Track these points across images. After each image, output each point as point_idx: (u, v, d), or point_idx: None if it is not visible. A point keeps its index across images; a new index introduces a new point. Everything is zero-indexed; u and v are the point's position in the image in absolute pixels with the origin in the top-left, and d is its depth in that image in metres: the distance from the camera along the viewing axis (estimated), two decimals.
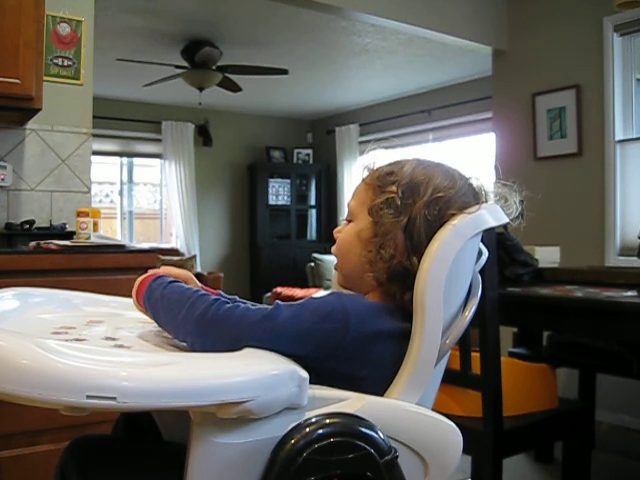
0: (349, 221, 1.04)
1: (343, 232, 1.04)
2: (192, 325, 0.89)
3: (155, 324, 1.02)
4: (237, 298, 1.03)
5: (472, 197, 0.99)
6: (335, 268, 1.07)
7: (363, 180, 1.04)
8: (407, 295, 0.94)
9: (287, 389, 0.77)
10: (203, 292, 0.94)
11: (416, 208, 0.95)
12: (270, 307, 0.89)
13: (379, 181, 1.00)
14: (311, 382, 0.81)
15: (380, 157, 1.06)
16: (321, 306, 0.89)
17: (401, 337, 0.93)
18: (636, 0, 2.69)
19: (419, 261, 0.93)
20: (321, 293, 0.99)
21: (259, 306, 0.92)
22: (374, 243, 0.97)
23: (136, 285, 1.05)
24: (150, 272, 1.05)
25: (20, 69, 2.08)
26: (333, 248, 1.06)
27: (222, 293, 1.03)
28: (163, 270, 1.06)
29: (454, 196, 0.96)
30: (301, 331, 0.86)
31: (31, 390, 0.66)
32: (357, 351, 0.89)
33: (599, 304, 1.81)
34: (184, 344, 0.94)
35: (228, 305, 0.89)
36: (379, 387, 0.91)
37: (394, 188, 0.97)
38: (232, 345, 0.85)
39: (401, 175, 0.98)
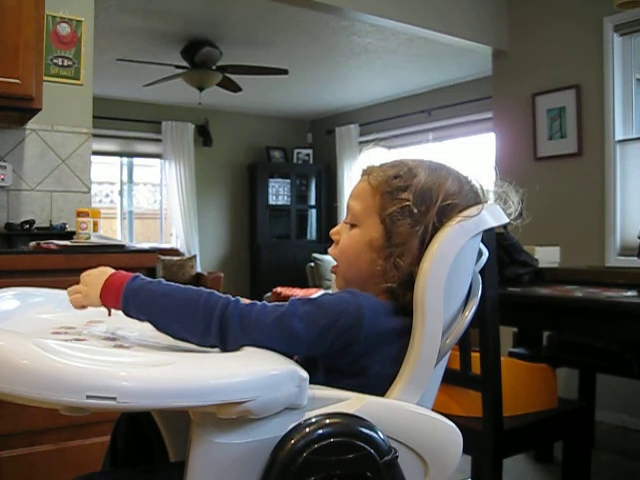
0: (352, 225, 1.01)
1: (349, 238, 1.01)
2: (214, 326, 0.87)
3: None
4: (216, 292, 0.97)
5: (474, 200, 1.00)
6: (333, 271, 1.05)
7: (368, 182, 1.01)
8: (408, 296, 0.95)
9: (287, 389, 0.77)
10: (206, 290, 0.91)
11: (429, 217, 0.95)
12: (285, 306, 0.89)
13: (388, 186, 0.98)
14: (320, 380, 0.81)
15: (380, 157, 1.05)
16: (336, 303, 0.90)
17: (408, 336, 0.93)
18: (636, 0, 2.69)
19: None
20: (328, 292, 0.99)
21: (275, 304, 0.91)
22: (388, 252, 0.96)
23: (100, 285, 0.95)
24: (109, 272, 0.96)
25: (20, 69, 2.07)
26: (332, 250, 1.04)
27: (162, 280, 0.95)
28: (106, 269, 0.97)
29: (460, 202, 0.97)
30: (316, 334, 0.88)
31: (31, 390, 0.66)
32: (370, 347, 0.90)
33: (599, 304, 1.81)
34: (186, 344, 0.93)
35: (242, 304, 0.89)
36: (386, 386, 0.92)
37: (407, 195, 0.96)
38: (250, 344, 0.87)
39: (411, 180, 0.97)
